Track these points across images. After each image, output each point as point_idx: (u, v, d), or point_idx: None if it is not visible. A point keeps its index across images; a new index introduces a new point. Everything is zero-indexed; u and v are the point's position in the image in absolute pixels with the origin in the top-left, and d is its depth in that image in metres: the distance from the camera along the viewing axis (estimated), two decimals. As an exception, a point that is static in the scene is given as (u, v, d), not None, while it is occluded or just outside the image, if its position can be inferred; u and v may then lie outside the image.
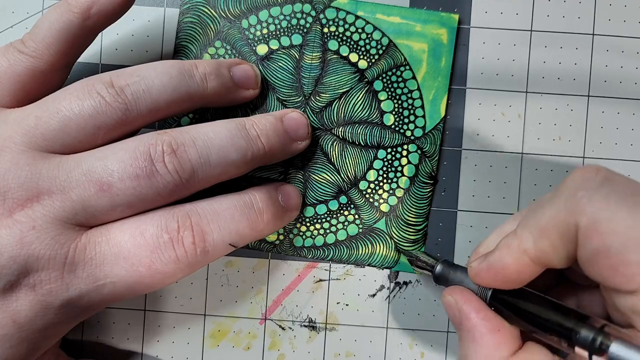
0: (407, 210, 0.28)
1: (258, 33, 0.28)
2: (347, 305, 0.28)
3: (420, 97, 0.28)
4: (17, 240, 0.21)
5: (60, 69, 0.24)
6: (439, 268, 0.24)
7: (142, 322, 0.28)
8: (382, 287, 0.28)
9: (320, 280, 0.28)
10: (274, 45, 0.28)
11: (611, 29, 0.28)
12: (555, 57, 0.28)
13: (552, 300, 0.21)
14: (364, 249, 0.28)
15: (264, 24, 0.28)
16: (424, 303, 0.28)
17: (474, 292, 0.22)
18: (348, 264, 0.28)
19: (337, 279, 0.28)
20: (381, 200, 0.28)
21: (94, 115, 0.22)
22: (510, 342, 0.21)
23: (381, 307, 0.28)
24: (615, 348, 0.18)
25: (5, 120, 0.23)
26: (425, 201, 0.28)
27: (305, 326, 0.28)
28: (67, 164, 0.22)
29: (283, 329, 0.28)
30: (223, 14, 0.28)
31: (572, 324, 0.19)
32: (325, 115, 0.28)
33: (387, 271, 0.28)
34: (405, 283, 0.28)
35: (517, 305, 0.21)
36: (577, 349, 0.19)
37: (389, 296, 0.28)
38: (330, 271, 0.28)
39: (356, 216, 0.28)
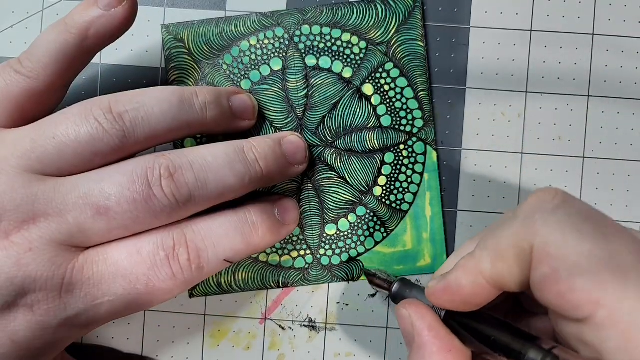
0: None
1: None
2: (347, 305, 0.28)
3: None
4: (14, 262, 0.21)
5: (57, 89, 0.24)
6: (396, 287, 0.24)
7: (142, 322, 0.28)
8: (382, 287, 0.28)
9: (320, 280, 0.28)
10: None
11: (611, 29, 0.28)
12: (555, 57, 0.28)
13: (505, 321, 0.21)
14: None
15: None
16: (424, 303, 0.28)
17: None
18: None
19: (337, 279, 0.28)
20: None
21: (90, 141, 0.22)
22: None
23: (381, 307, 0.28)
24: None
25: (3, 141, 0.23)
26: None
27: (305, 326, 0.28)
28: (63, 187, 0.22)
29: (283, 328, 0.28)
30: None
31: (521, 345, 0.19)
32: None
33: (387, 271, 0.28)
34: (405, 283, 0.28)
35: (470, 325, 0.21)
36: None
37: (389, 296, 0.28)
38: (330, 271, 0.28)
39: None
